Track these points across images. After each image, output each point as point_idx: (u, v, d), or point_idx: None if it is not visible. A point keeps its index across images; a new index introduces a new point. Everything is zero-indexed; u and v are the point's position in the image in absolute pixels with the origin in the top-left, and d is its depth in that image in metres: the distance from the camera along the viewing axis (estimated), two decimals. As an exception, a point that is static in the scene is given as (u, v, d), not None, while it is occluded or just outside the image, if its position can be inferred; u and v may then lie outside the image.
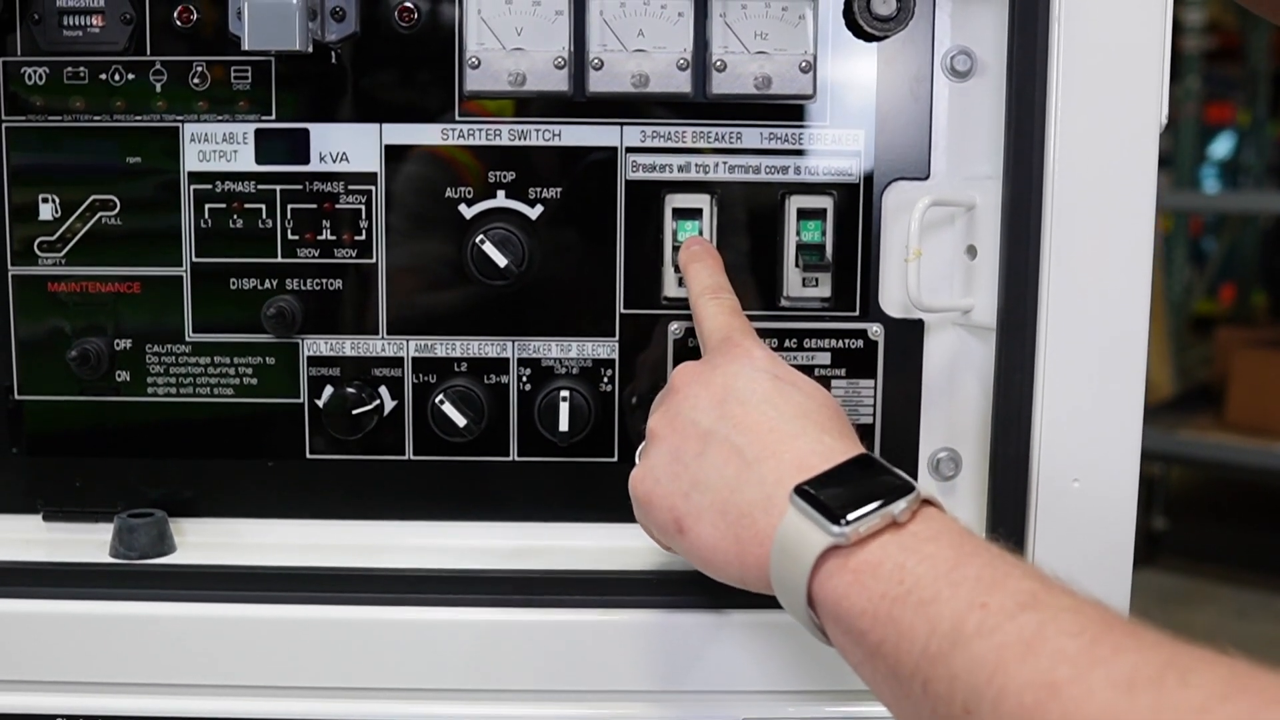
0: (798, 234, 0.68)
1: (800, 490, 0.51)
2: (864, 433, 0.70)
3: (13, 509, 0.72)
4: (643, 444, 0.62)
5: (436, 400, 0.68)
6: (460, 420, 0.68)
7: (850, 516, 0.49)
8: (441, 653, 0.66)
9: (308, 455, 0.70)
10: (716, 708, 0.66)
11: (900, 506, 0.50)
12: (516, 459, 0.70)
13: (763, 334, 0.68)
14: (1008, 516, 0.65)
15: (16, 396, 0.70)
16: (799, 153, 0.68)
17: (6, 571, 0.67)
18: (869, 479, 0.51)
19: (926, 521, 0.50)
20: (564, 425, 0.68)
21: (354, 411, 0.68)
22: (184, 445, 0.70)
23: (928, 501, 0.51)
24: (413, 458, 0.70)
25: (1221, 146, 4.73)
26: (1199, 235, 4.54)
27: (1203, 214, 4.41)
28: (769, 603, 0.54)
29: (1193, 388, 3.52)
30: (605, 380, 0.69)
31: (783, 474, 0.53)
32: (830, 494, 0.50)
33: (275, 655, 0.66)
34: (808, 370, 0.68)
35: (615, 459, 0.70)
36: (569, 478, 0.70)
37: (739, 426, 0.56)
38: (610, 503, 0.70)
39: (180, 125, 0.69)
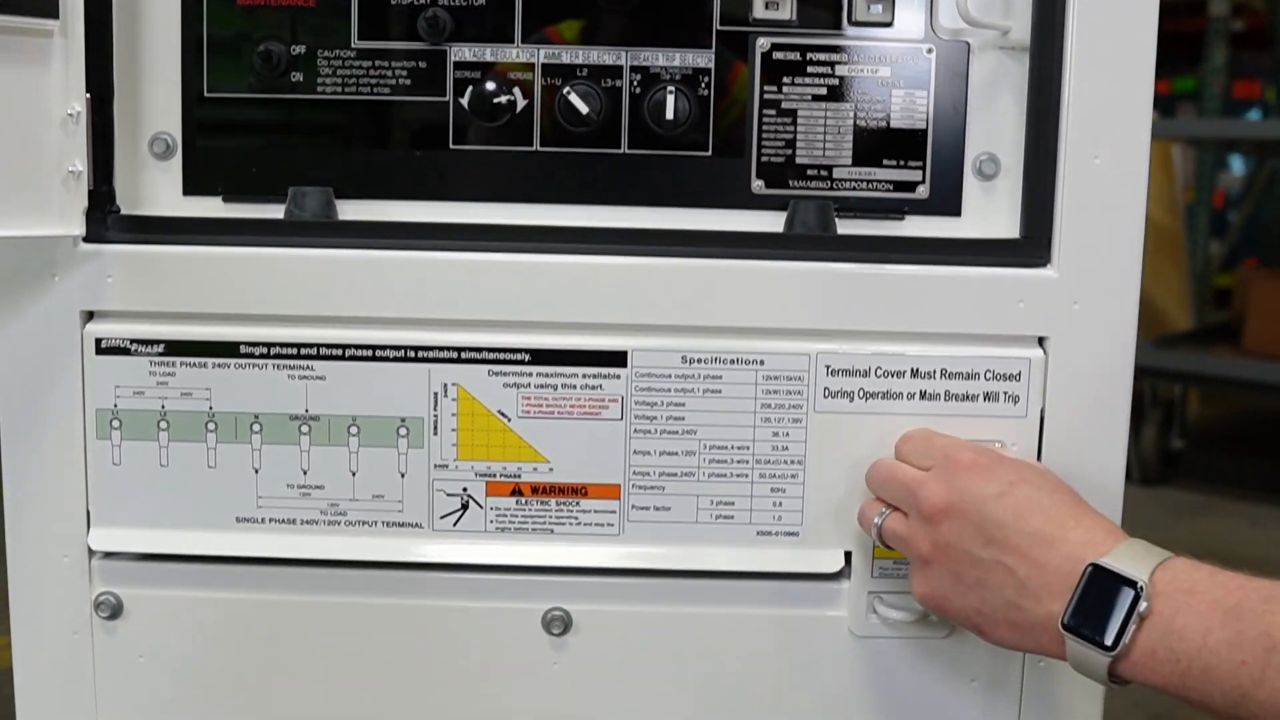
0: (866, -37, 0.81)
1: (1067, 628, 0.67)
2: (918, 139, 0.83)
3: (197, 192, 0.85)
4: (879, 521, 0.77)
5: (564, 91, 0.81)
6: (584, 108, 0.81)
7: (1112, 640, 0.65)
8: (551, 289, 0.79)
9: (450, 146, 0.83)
10: (790, 343, 0.80)
11: (1142, 606, 0.64)
12: (627, 151, 0.83)
13: (833, 49, 0.81)
14: (1040, 193, 0.79)
15: (207, 94, 0.84)
16: (871, -106, 0.81)
17: (197, 222, 0.81)
18: (1110, 591, 0.65)
19: (1165, 599, 0.64)
20: (670, 115, 0.81)
21: (493, 101, 0.81)
22: (346, 137, 0.84)
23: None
24: (540, 149, 0.83)
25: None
26: (1223, 208, 4.65)
27: (1227, 188, 4.51)
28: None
29: (1212, 325, 3.62)
30: (703, 85, 0.82)
31: (1054, 587, 0.68)
32: (1091, 625, 0.65)
33: (425, 292, 0.80)
34: (869, 83, 0.82)
35: (709, 154, 0.83)
36: (669, 169, 0.83)
37: (1005, 549, 0.70)
38: (703, 191, 0.83)
39: None
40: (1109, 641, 0.65)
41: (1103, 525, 0.70)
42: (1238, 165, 4.64)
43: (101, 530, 0.82)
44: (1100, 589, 0.66)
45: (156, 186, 0.85)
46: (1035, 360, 0.80)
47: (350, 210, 0.84)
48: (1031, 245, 0.79)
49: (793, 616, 0.83)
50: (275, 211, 0.83)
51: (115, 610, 0.83)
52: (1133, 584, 0.65)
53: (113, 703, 0.84)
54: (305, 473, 0.81)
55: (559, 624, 0.82)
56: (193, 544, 0.82)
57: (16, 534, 0.82)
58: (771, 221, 0.83)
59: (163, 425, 0.81)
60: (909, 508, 0.75)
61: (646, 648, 0.83)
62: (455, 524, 0.82)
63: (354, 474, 0.81)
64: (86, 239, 0.80)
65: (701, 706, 0.83)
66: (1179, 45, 4.19)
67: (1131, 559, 0.66)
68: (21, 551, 0.83)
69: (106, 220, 0.80)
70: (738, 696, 0.83)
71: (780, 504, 0.81)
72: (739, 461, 0.81)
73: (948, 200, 0.83)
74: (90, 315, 0.81)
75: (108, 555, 0.83)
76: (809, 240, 0.80)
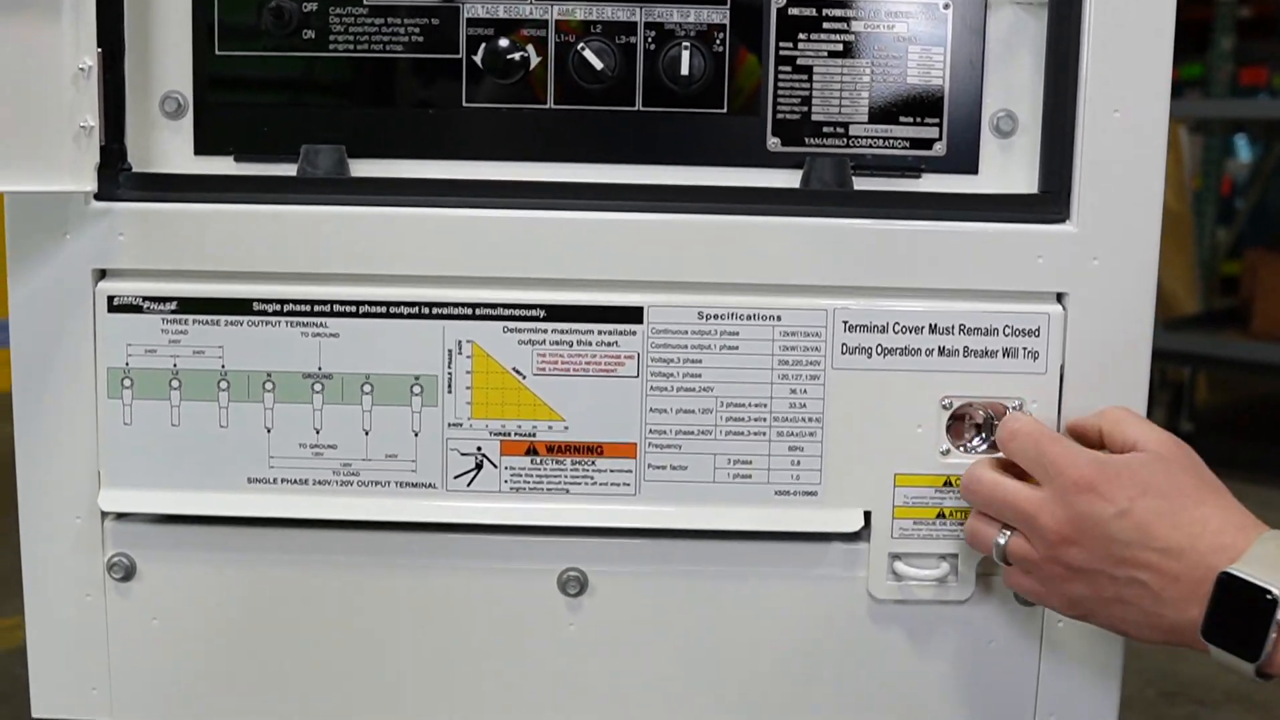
0: (885, -85, 0.80)
1: (1207, 636, 0.67)
2: (935, 96, 0.82)
3: (209, 151, 0.84)
4: (1002, 542, 0.75)
5: (579, 48, 0.80)
6: (599, 65, 0.80)
7: (1254, 649, 0.66)
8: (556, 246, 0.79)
9: (464, 104, 0.83)
10: (808, 299, 0.79)
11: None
12: (641, 109, 0.82)
13: (848, 5, 0.81)
14: (1059, 147, 0.78)
15: (218, 52, 0.83)
16: None
17: (209, 179, 0.80)
18: (1244, 601, 0.66)
19: None
20: (685, 71, 0.80)
21: (507, 57, 0.81)
22: (358, 95, 0.83)
23: None
24: (553, 107, 0.82)
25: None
26: (1230, 195, 4.64)
27: (1234, 175, 4.50)
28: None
29: (1220, 310, 3.62)
30: (718, 41, 0.82)
31: (1189, 595, 0.68)
32: (1230, 636, 0.66)
33: (439, 248, 0.79)
34: (886, 39, 0.81)
35: (725, 110, 0.82)
36: (684, 126, 0.82)
37: (1136, 566, 0.70)
38: (718, 149, 0.82)
39: None
40: (1251, 651, 0.65)
41: (1232, 521, 0.70)
42: (1245, 152, 4.63)
43: (111, 491, 0.81)
44: (1234, 599, 0.66)
45: (168, 146, 0.84)
46: (1054, 316, 0.79)
47: (363, 169, 0.83)
48: (1050, 200, 0.79)
49: (811, 577, 0.82)
50: (287, 171, 0.82)
51: (128, 572, 0.82)
52: (1266, 592, 0.65)
53: (126, 664, 0.83)
54: (318, 432, 0.81)
55: (575, 585, 0.82)
56: (203, 505, 0.81)
57: (29, 495, 0.82)
58: (787, 179, 0.82)
59: (174, 384, 0.80)
60: (1028, 530, 0.74)
61: (663, 608, 0.82)
62: (469, 484, 0.81)
63: (367, 433, 0.81)
64: (98, 197, 0.79)
65: (718, 668, 0.83)
66: (1186, 32, 4.17)
67: (1262, 562, 0.66)
68: (34, 512, 0.82)
69: (118, 178, 0.80)
70: (755, 658, 0.83)
71: (798, 463, 0.80)
72: (756, 419, 0.80)
73: (965, 158, 0.82)
74: (102, 273, 0.81)
75: (120, 517, 0.82)
76: (826, 196, 0.79)
